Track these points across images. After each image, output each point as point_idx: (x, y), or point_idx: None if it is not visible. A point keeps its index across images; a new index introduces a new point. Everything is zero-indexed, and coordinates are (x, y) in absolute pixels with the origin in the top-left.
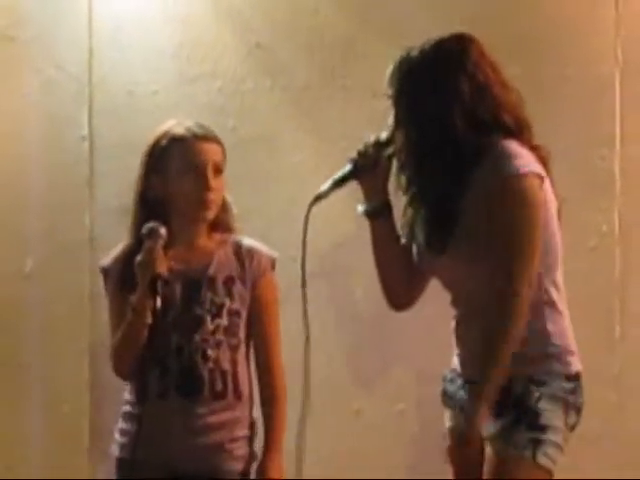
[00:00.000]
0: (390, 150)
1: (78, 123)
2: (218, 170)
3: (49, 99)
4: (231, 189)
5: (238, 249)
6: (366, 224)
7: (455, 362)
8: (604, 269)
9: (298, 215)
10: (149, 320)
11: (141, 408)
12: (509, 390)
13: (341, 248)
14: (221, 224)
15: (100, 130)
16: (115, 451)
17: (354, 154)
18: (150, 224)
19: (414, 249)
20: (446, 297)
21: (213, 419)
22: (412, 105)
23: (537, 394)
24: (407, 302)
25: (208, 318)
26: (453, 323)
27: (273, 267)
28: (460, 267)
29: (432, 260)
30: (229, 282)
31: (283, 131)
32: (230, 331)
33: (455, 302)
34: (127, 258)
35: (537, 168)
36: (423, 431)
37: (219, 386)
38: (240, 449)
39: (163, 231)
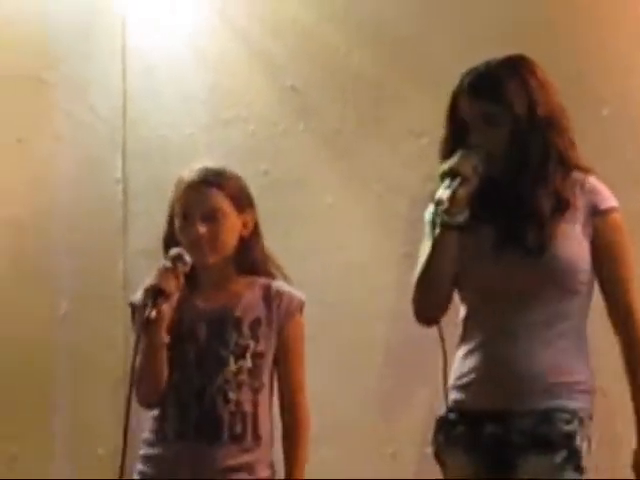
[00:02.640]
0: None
1: (111, 166)
2: (212, 215)
3: (82, 142)
4: (263, 232)
5: (267, 291)
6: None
7: (460, 397)
8: None
9: (329, 257)
10: (163, 339)
11: (160, 449)
12: (558, 424)
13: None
14: (247, 266)
15: (133, 173)
16: None
17: (456, 167)
18: (176, 249)
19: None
20: None
21: (231, 462)
22: (530, 108)
23: (581, 433)
24: (439, 317)
25: (232, 359)
26: (479, 348)
27: (301, 310)
28: (538, 277)
29: (498, 266)
30: (255, 324)
31: (316, 174)
32: (253, 373)
33: (500, 321)
34: None
35: None
36: None
37: (238, 429)
38: None
39: (187, 258)
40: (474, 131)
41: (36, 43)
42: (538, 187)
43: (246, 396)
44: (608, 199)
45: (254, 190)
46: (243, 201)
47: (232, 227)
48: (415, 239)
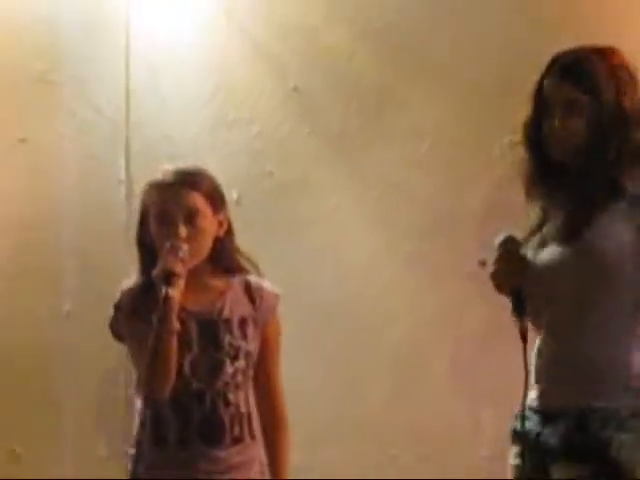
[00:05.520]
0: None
1: (115, 167)
2: (191, 218)
3: (86, 141)
4: (268, 233)
5: (248, 288)
6: None
7: (533, 397)
8: None
9: (334, 258)
10: (176, 325)
11: (160, 453)
12: (586, 429)
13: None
14: (222, 265)
15: (137, 174)
16: None
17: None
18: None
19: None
20: None
21: (232, 462)
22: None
23: (619, 440)
24: None
25: (228, 361)
26: (538, 349)
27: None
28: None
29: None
30: (243, 324)
31: (320, 176)
32: (246, 373)
33: (553, 317)
34: (137, 293)
35: None
36: None
37: (237, 430)
38: None
39: (184, 247)
40: (555, 117)
41: (40, 43)
42: (597, 176)
43: (242, 397)
44: None
45: (259, 192)
46: (218, 201)
47: (210, 228)
48: (417, 238)
